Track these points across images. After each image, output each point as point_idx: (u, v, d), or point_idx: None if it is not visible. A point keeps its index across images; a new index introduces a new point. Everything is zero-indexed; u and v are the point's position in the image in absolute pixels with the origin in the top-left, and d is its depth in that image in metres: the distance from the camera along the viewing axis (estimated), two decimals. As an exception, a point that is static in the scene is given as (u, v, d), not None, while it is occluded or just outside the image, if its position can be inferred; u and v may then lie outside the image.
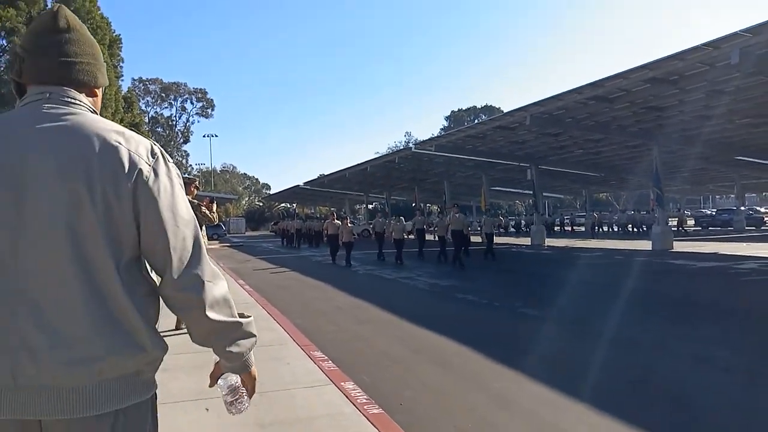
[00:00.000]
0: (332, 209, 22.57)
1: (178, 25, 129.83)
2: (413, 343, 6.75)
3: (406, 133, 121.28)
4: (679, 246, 22.48)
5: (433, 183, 38.53)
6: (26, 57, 1.37)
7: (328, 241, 20.78)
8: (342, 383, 4.68)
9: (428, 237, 22.66)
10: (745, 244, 23.53)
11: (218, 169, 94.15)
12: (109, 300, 1.26)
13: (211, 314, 1.35)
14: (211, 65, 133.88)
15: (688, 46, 13.38)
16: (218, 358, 1.47)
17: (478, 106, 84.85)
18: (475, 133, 24.22)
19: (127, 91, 43.97)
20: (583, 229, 40.95)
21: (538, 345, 6.64)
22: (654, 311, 8.53)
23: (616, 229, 39.92)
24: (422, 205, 43.16)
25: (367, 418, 3.84)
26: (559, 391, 4.69)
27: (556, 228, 46.49)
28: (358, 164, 35.73)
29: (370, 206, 58.09)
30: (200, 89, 75.46)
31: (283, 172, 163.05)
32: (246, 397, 1.54)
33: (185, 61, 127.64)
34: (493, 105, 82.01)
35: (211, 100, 76.05)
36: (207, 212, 7.37)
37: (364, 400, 4.23)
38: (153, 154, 1.36)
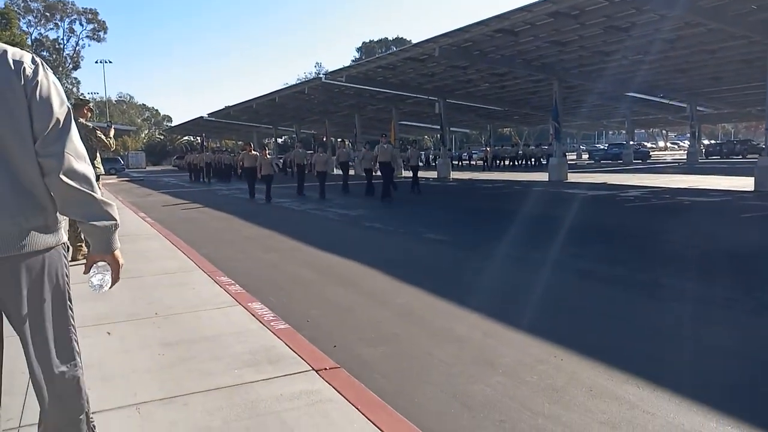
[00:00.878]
0: (249, 142, 21.58)
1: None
2: (320, 267, 6.91)
3: (317, 63, 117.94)
4: (573, 177, 24.07)
5: (344, 116, 38.03)
6: None
7: (245, 175, 19.38)
8: (249, 304, 4.74)
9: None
10: (631, 175, 25.55)
11: (114, 99, 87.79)
12: (20, 174, 1.67)
13: (65, 179, 1.68)
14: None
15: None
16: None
17: (390, 38, 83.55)
18: (386, 64, 24.01)
19: (4, 6, 39.18)
20: (481, 162, 42.35)
21: (439, 265, 7.03)
22: (547, 234, 9.18)
23: (516, 163, 41.66)
24: (333, 139, 42.64)
25: (274, 333, 3.95)
26: (456, 303, 5.04)
27: (454, 162, 47.57)
28: (266, 94, 34.38)
29: (279, 140, 56.68)
30: (90, 9, 68.77)
31: (185, 104, 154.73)
32: (108, 278, 1.84)
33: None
34: (405, 37, 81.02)
35: (104, 22, 69.66)
36: (103, 137, 6.88)
37: (271, 318, 4.34)
38: (33, 61, 1.74)
